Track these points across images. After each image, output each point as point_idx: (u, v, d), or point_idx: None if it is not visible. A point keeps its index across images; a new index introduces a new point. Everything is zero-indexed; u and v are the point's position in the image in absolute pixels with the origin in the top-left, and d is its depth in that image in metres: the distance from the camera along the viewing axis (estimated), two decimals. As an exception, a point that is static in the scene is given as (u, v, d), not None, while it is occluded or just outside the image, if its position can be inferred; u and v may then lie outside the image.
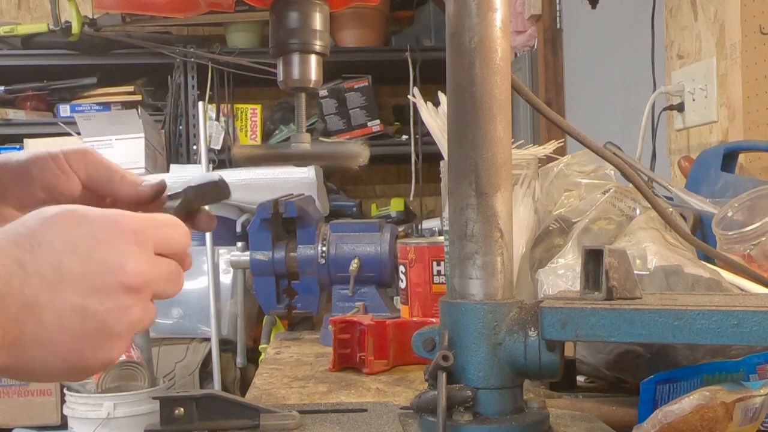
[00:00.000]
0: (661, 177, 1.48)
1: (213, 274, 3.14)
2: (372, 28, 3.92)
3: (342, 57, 3.74)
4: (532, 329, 0.69)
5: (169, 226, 0.66)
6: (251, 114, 3.90)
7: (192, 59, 3.73)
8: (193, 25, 4.08)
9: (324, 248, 1.38)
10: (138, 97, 3.81)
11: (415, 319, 1.27)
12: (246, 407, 0.77)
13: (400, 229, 3.56)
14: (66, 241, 0.60)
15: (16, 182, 0.78)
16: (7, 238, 0.59)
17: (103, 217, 0.62)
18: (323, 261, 1.38)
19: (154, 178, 0.80)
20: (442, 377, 0.67)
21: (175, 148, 3.77)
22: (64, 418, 2.87)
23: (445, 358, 0.68)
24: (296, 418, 0.76)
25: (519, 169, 1.13)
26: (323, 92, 3.76)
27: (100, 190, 0.79)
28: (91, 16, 3.64)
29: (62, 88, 3.81)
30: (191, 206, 0.76)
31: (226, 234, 3.26)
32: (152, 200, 0.79)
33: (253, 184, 2.97)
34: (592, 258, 0.71)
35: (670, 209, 1.15)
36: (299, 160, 0.86)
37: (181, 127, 3.77)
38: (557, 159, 1.24)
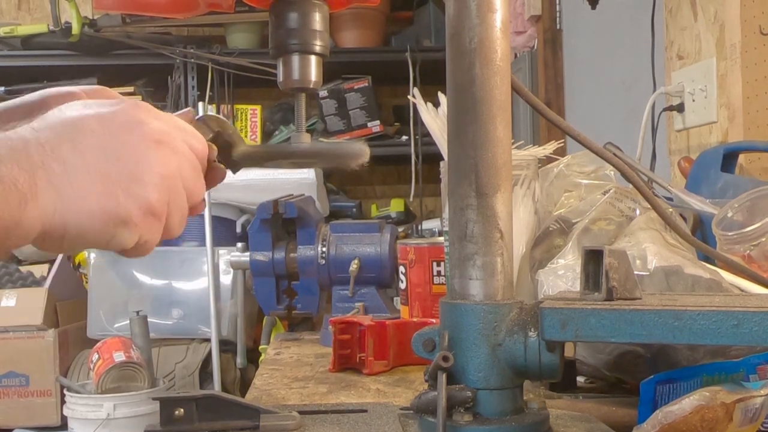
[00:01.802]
0: (661, 177, 1.48)
1: (213, 275, 3.14)
2: (372, 29, 3.91)
3: (342, 57, 3.74)
4: (532, 330, 0.69)
5: (189, 131, 0.67)
6: (251, 114, 3.90)
7: (192, 60, 3.73)
8: (193, 25, 4.08)
9: (324, 249, 1.38)
10: (138, 98, 3.81)
11: (415, 319, 1.27)
12: (246, 408, 0.77)
13: (400, 229, 3.56)
14: (81, 105, 0.61)
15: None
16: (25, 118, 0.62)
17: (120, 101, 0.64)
18: (323, 261, 1.38)
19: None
20: (442, 378, 0.67)
21: (175, 148, 3.76)
22: (64, 418, 2.87)
23: (445, 358, 0.68)
24: (296, 418, 0.76)
25: (519, 170, 1.13)
26: (323, 93, 3.76)
27: None
28: (91, 17, 3.64)
29: (62, 88, 3.81)
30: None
31: (226, 234, 3.27)
32: None
33: (253, 184, 2.97)
34: (592, 258, 0.71)
35: (670, 210, 1.15)
36: (301, 159, 0.85)
37: (181, 128, 3.76)
38: (557, 159, 1.24)
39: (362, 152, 0.82)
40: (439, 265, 1.28)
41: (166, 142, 0.63)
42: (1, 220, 0.54)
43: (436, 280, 1.28)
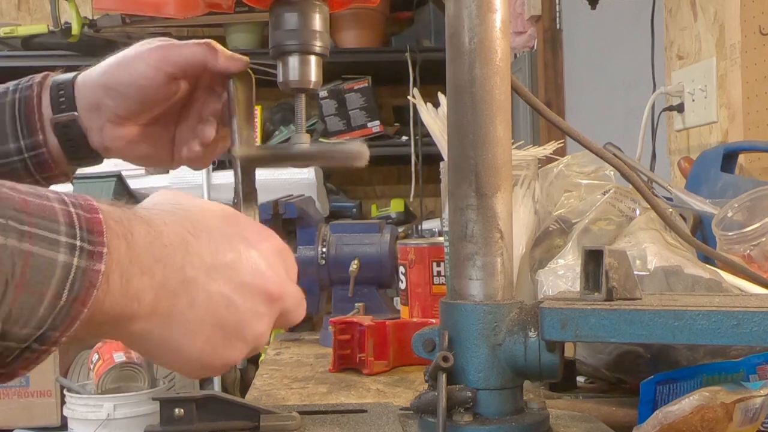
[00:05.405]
0: (661, 177, 1.48)
1: (213, 275, 3.13)
2: (372, 29, 3.91)
3: (342, 58, 3.74)
4: (532, 330, 0.69)
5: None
6: (251, 115, 3.89)
7: (192, 60, 3.73)
8: (193, 26, 4.08)
9: (324, 249, 1.38)
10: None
11: (415, 319, 1.27)
12: (246, 408, 0.77)
13: (400, 229, 3.56)
14: (223, 234, 0.62)
15: (112, 99, 0.91)
16: (173, 217, 0.60)
17: (254, 225, 0.67)
18: (323, 262, 1.38)
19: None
20: (442, 378, 0.67)
21: (175, 148, 3.76)
22: (64, 419, 2.87)
23: (445, 358, 0.68)
24: (296, 419, 0.76)
25: (519, 170, 1.13)
26: (323, 93, 3.75)
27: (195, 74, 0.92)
28: (91, 17, 3.63)
29: (62, 89, 3.81)
30: None
31: (226, 235, 3.26)
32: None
33: (253, 184, 2.97)
34: (592, 258, 0.71)
35: (670, 210, 1.15)
36: (302, 160, 0.86)
37: (181, 128, 3.76)
38: (557, 160, 1.24)
39: (361, 152, 0.82)
40: (439, 265, 1.28)
41: (278, 299, 0.64)
42: (102, 320, 0.54)
43: (436, 280, 1.28)
